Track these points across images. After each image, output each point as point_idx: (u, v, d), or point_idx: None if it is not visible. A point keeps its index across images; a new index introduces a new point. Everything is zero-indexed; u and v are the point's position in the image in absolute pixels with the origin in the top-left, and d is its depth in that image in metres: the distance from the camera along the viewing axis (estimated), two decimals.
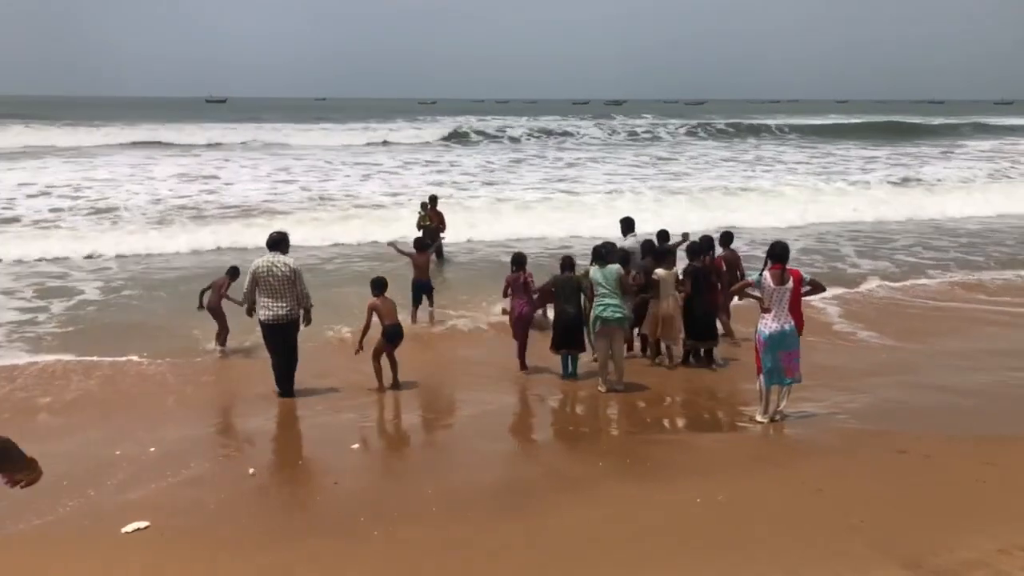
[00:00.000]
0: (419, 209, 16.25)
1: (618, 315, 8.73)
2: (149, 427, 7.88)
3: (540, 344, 9.81)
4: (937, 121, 69.75)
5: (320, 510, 6.13)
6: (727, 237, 11.11)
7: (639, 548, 5.33)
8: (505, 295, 9.86)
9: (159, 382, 9.26)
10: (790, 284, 7.74)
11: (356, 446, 7.42)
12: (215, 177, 29.88)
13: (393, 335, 8.96)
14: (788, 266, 7.84)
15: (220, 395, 9.11)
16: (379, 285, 9.10)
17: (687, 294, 9.65)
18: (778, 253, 7.80)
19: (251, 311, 8.82)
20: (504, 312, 10.18)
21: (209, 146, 43.54)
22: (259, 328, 8.85)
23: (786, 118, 72.97)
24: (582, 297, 9.35)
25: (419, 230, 15.33)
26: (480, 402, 8.77)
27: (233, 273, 10.60)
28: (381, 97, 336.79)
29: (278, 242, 8.71)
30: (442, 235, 15.64)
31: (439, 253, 15.62)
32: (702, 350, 9.85)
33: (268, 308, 8.55)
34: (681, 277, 9.67)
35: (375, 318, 8.98)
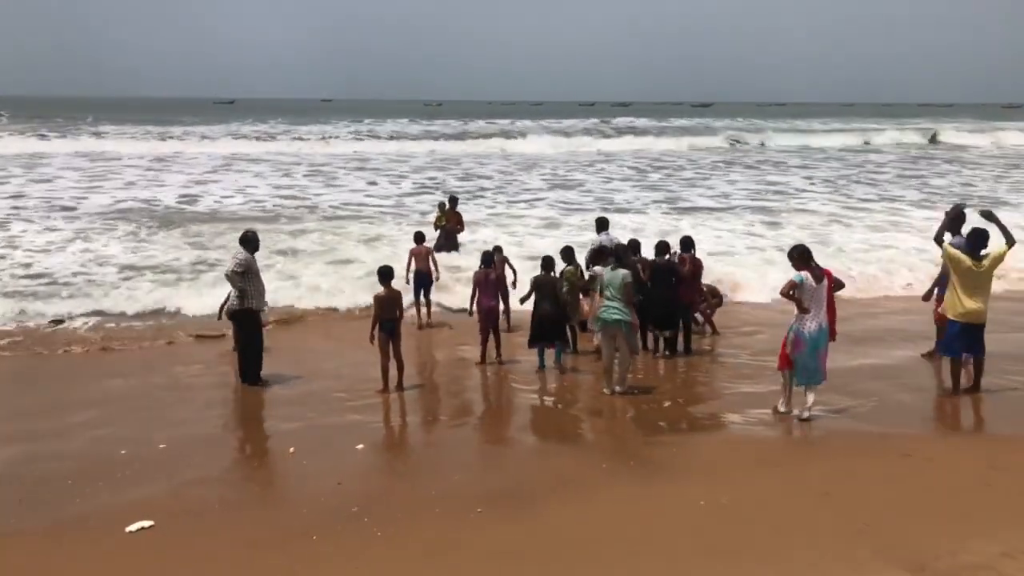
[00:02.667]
0: (437, 209, 17.11)
1: (616, 316, 8.78)
2: (157, 426, 7.92)
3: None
4: None
5: (324, 510, 6.13)
6: (689, 242, 11.03)
7: (643, 551, 5.32)
8: (474, 293, 10.17)
9: (169, 382, 9.30)
10: (825, 282, 7.95)
11: (360, 447, 7.44)
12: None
13: (388, 330, 8.95)
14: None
15: (227, 395, 9.12)
16: (383, 274, 9.11)
17: (644, 284, 10.11)
18: (806, 254, 7.97)
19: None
20: (470, 314, 10.39)
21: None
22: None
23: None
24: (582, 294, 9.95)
25: (436, 230, 16.15)
26: (484, 403, 8.79)
27: None
28: (386, 99, 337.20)
29: (244, 240, 9.46)
30: (459, 234, 16.48)
31: (455, 249, 16.28)
32: (663, 337, 10.41)
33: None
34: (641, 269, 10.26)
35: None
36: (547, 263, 9.95)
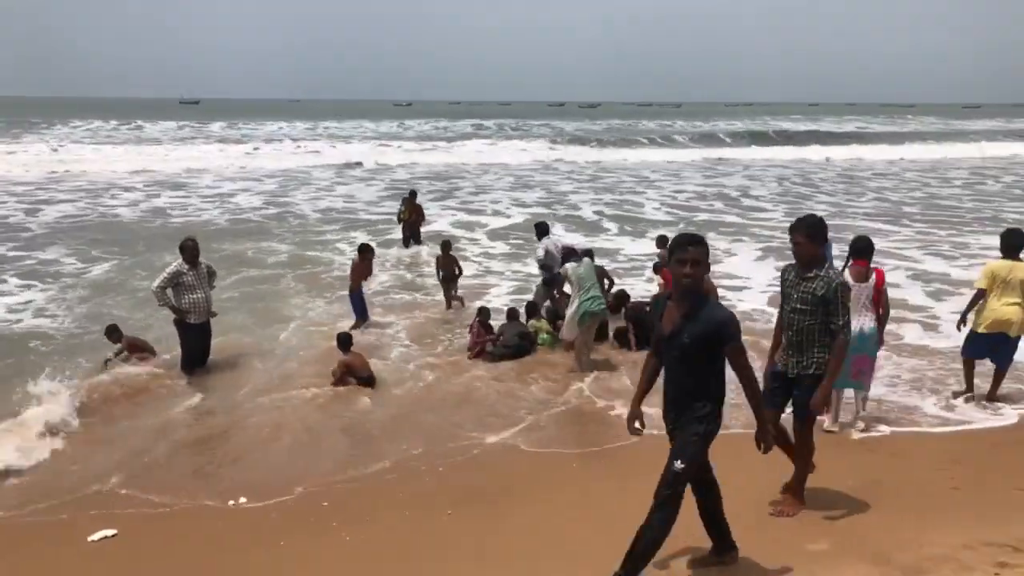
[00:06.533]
0: (400, 204, 18.33)
1: (603, 307, 9.59)
2: (122, 434, 7.77)
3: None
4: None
5: (292, 515, 6.07)
6: (662, 240, 11.99)
7: (613, 550, 5.31)
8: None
9: (136, 389, 9.14)
10: (872, 282, 7.09)
11: (328, 450, 7.37)
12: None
13: (366, 382, 9.10)
14: (873, 264, 7.24)
15: (192, 400, 8.96)
16: (346, 342, 9.33)
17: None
18: (861, 248, 7.18)
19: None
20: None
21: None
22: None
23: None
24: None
25: (399, 222, 17.97)
26: (453, 403, 8.73)
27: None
28: (354, 99, 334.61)
29: (180, 248, 9.48)
30: (422, 225, 18.16)
31: (417, 239, 17.77)
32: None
33: None
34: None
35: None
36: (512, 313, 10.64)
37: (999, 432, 7.57)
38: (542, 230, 11.94)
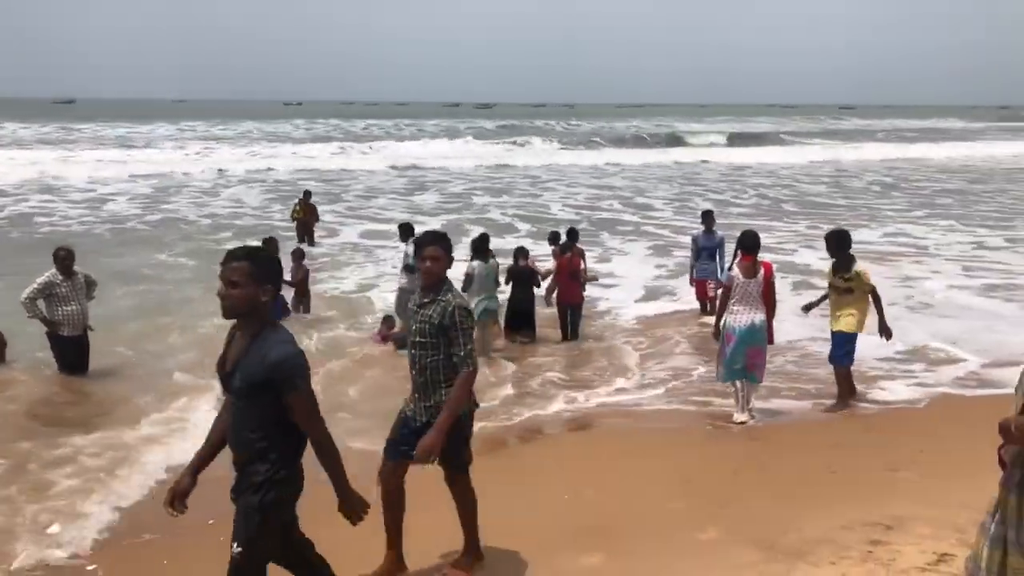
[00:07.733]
0: (295, 204, 18.54)
1: (498, 306, 10.35)
2: None
3: None
4: None
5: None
6: (573, 234, 11.59)
7: (505, 549, 5.28)
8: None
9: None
10: (761, 277, 7.35)
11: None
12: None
13: None
14: (760, 258, 7.47)
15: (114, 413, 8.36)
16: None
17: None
18: (748, 244, 7.39)
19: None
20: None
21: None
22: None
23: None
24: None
25: (293, 221, 18.19)
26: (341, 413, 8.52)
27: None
28: (242, 99, 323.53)
29: (53, 258, 9.01)
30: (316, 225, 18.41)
31: (311, 240, 17.75)
32: (518, 340, 10.78)
33: None
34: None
35: None
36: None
37: (872, 416, 8.00)
38: (408, 231, 11.20)
